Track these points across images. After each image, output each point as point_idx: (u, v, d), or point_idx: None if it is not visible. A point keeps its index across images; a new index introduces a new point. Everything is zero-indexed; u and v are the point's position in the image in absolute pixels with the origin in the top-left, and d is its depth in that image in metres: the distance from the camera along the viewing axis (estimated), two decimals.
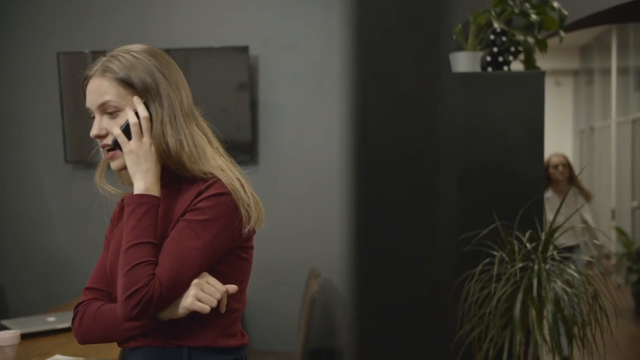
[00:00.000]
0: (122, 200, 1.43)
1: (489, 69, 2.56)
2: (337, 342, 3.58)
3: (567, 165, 4.31)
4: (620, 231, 6.30)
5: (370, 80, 0.55)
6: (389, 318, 0.56)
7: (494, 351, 2.10)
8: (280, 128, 3.69)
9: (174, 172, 1.30)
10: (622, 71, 7.87)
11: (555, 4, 2.62)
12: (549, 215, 3.41)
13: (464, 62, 2.62)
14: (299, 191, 3.65)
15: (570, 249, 4.02)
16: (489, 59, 2.56)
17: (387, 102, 0.56)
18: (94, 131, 1.30)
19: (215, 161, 1.30)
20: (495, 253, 2.21)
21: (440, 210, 0.56)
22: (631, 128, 7.34)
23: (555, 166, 4.27)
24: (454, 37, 2.67)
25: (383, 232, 0.57)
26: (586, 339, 2.14)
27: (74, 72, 3.66)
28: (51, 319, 2.54)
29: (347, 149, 0.55)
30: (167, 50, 3.60)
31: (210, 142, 1.34)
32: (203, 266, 1.23)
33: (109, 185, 1.40)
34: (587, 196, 4.26)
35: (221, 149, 1.36)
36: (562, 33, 2.70)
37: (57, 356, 2.06)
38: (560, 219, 3.82)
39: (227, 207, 1.24)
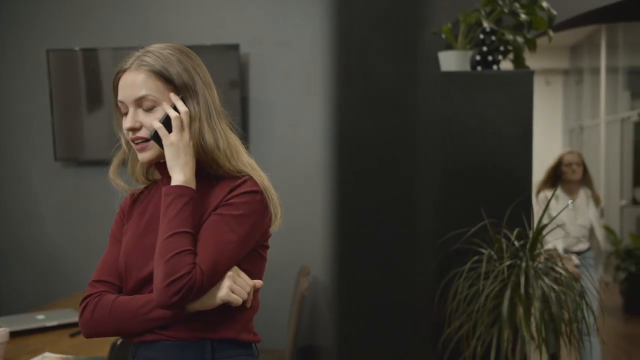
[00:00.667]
0: (132, 195, 1.44)
1: (479, 68, 2.58)
2: (327, 340, 3.59)
3: (581, 164, 3.97)
4: (608, 230, 6.34)
5: (356, 80, 0.56)
6: (376, 316, 0.56)
7: (482, 348, 2.12)
8: (270, 126, 3.69)
9: (204, 169, 1.33)
10: (611, 70, 7.92)
11: (545, 4, 2.64)
12: (560, 215, 3.37)
13: (454, 61, 2.63)
14: (290, 189, 3.66)
15: (578, 254, 3.76)
16: (478, 58, 2.57)
17: (372, 102, 0.56)
18: (128, 124, 1.30)
19: (248, 160, 1.34)
20: (483, 251, 2.23)
21: (428, 208, 0.56)
22: (620, 127, 7.39)
23: (569, 164, 3.93)
24: (444, 37, 2.68)
25: (370, 230, 0.58)
26: (573, 336, 2.16)
27: (64, 69, 3.65)
28: (41, 316, 2.54)
29: (332, 148, 0.56)
30: None
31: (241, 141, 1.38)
32: (236, 260, 1.27)
33: (120, 181, 1.42)
34: (597, 200, 3.96)
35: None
36: (551, 33, 2.71)
37: (47, 354, 2.06)
38: (567, 221, 3.64)
39: (259, 204, 1.29)
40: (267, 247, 1.38)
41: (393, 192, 0.56)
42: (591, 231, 3.87)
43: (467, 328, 2.16)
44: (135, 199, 1.43)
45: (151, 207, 1.36)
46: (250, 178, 1.30)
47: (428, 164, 0.56)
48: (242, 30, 3.66)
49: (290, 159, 3.69)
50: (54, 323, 2.45)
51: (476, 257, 2.23)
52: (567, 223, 3.70)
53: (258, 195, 1.29)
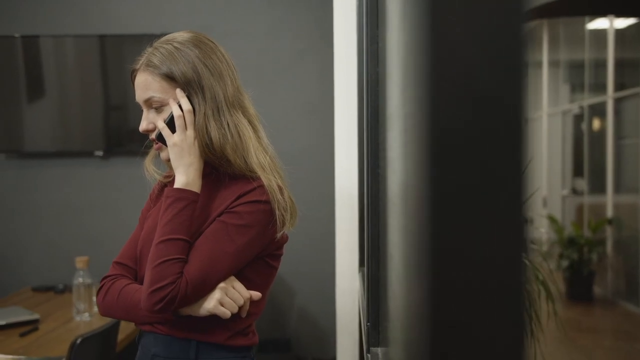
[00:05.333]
0: (162, 181, 1.42)
1: None
2: (286, 332, 3.58)
3: None
4: (551, 219, 6.54)
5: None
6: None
7: None
8: None
9: (216, 167, 1.29)
10: (553, 64, 8.17)
11: None
12: None
13: None
14: None
15: None
16: None
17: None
18: (142, 125, 1.30)
19: (258, 157, 1.28)
20: None
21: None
22: (561, 119, 7.63)
23: None
24: None
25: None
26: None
27: (3, 57, 3.49)
28: None
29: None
30: (101, 37, 3.48)
31: (256, 132, 1.32)
32: (232, 270, 1.24)
33: (154, 168, 1.41)
34: None
35: (266, 139, 1.34)
36: None
37: None
38: None
39: (264, 215, 1.25)
40: (279, 255, 1.34)
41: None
42: None
43: None
44: (163, 185, 1.41)
45: None
46: (260, 186, 1.25)
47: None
48: (190, 18, 3.58)
49: None
50: (2, 322, 2.36)
51: None
52: None
53: (263, 205, 1.24)
